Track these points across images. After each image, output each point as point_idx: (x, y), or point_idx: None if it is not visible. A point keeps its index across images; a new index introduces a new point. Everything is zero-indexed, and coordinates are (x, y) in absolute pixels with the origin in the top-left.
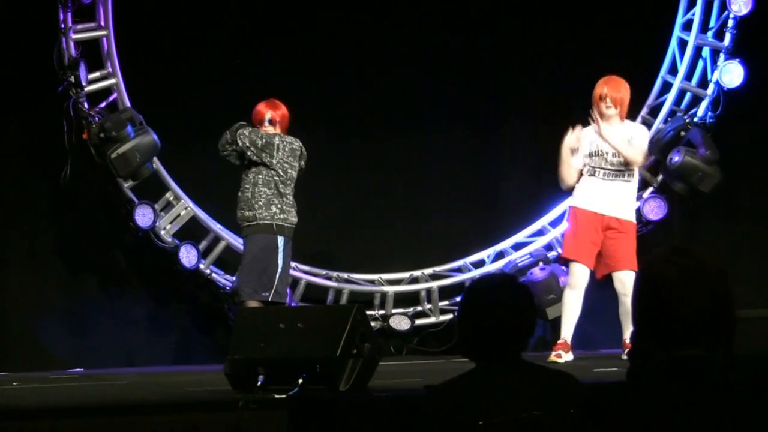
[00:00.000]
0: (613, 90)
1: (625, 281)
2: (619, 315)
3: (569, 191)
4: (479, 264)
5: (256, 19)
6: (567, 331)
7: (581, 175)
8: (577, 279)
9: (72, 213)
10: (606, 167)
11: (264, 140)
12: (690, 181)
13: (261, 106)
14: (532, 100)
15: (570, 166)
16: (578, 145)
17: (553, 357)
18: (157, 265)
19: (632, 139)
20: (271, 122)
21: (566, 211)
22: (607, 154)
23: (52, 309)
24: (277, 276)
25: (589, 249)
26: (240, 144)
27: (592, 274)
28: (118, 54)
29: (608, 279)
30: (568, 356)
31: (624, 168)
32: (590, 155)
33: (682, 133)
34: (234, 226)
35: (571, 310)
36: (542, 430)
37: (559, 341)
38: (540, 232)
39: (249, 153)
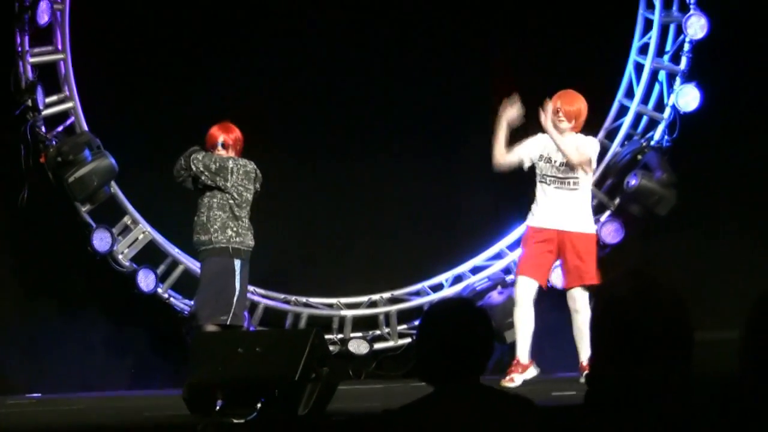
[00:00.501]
0: (566, 104)
1: (576, 297)
2: (573, 333)
3: (498, 170)
4: (437, 287)
5: (212, 43)
6: (520, 350)
7: (535, 189)
8: (518, 293)
9: (29, 236)
10: (554, 174)
11: (218, 164)
12: (646, 204)
13: (214, 130)
14: (490, 123)
15: (501, 141)
16: (517, 122)
17: (504, 382)
18: (114, 289)
19: (579, 146)
20: (224, 145)
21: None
22: (555, 162)
23: (8, 333)
24: (235, 299)
25: (537, 263)
26: (194, 169)
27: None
28: (76, 78)
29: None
30: (524, 376)
31: (572, 176)
32: (540, 158)
33: (639, 157)
34: (192, 250)
35: (519, 327)
36: None
37: (513, 362)
38: (498, 256)
39: (203, 177)
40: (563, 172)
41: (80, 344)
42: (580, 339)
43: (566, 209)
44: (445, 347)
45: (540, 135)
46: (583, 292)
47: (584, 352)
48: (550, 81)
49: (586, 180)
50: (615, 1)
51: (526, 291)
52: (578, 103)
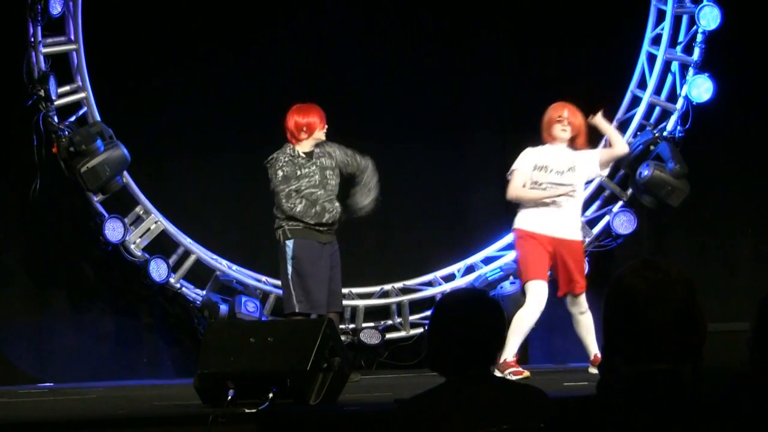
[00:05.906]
0: (572, 115)
1: (578, 302)
2: (579, 334)
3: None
4: (449, 278)
5: (225, 33)
6: (509, 351)
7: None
8: (538, 298)
9: (41, 227)
10: (552, 180)
11: None
12: (659, 194)
13: (319, 114)
14: (501, 114)
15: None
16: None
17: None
18: (126, 279)
19: (581, 159)
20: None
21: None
22: (552, 170)
23: (20, 323)
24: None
25: (543, 266)
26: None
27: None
28: (88, 68)
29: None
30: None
31: (570, 183)
32: (534, 168)
33: (651, 147)
34: (203, 239)
35: (521, 330)
36: None
37: (500, 362)
38: (510, 246)
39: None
40: (562, 178)
41: (91, 334)
42: (588, 335)
43: (560, 216)
44: (458, 338)
45: (528, 150)
46: (581, 296)
47: (593, 347)
48: (563, 73)
49: (582, 187)
50: None
51: (543, 295)
52: (581, 118)
